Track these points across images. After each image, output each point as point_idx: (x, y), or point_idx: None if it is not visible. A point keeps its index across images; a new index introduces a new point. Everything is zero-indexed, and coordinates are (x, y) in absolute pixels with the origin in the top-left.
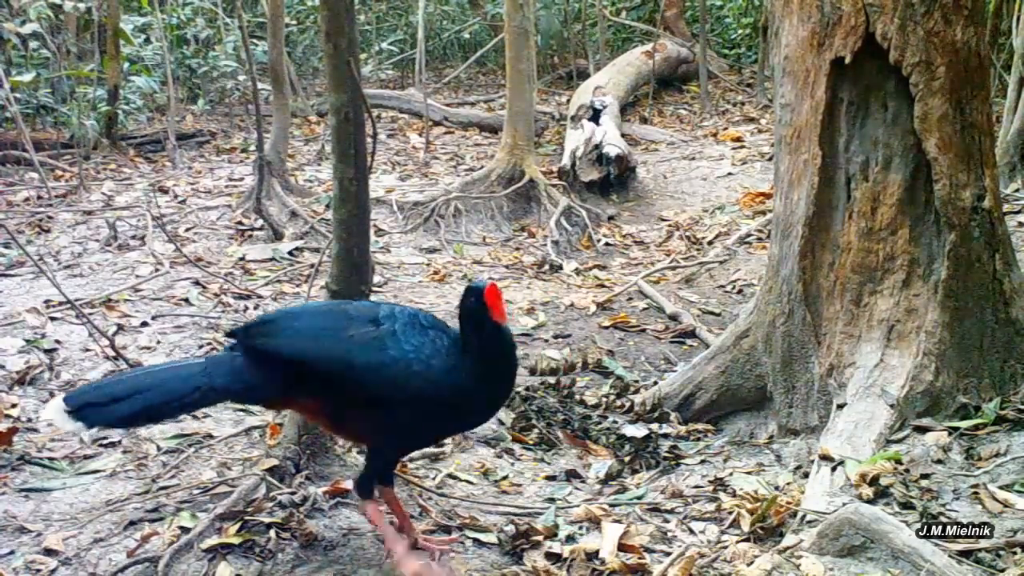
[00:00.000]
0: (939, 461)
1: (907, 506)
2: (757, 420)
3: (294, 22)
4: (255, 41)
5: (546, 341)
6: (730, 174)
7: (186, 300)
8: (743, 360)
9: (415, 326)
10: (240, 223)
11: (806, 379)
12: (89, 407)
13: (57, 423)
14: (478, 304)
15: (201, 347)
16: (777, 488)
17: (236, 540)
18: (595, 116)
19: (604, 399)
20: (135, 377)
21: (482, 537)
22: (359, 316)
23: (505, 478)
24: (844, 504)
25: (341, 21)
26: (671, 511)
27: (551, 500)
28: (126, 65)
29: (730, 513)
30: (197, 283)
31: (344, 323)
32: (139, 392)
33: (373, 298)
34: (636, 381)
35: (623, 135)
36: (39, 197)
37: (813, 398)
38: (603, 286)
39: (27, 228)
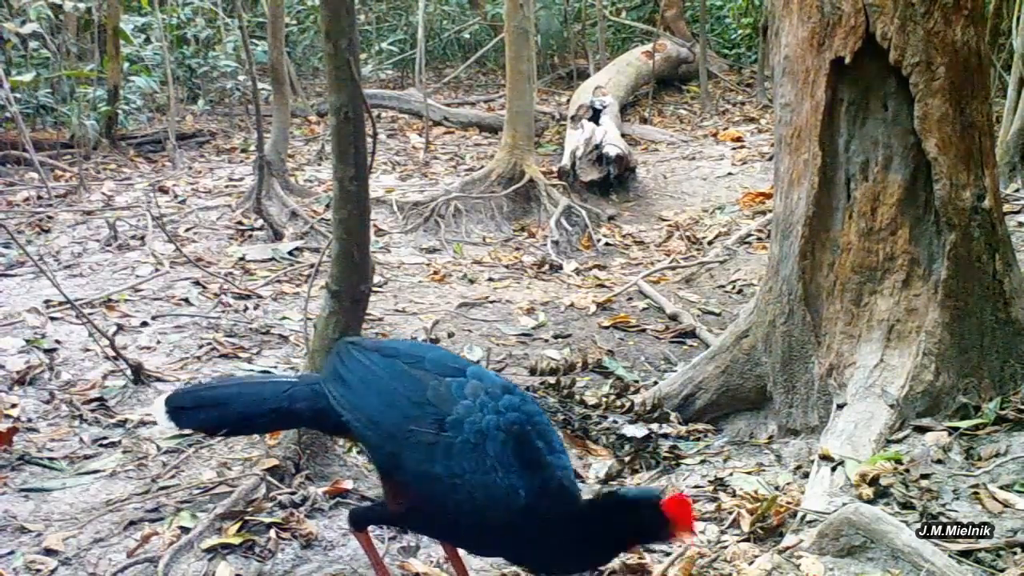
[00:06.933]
0: (939, 461)
1: (907, 506)
2: (757, 420)
3: (294, 22)
4: (255, 41)
5: (546, 341)
6: (730, 174)
7: (186, 300)
8: (743, 360)
9: (476, 448)
10: (240, 223)
11: (806, 379)
12: (181, 411)
13: (160, 422)
14: (660, 521)
15: (201, 347)
16: (777, 488)
17: (236, 540)
18: (595, 116)
19: (604, 399)
20: (227, 388)
21: None
22: (431, 407)
23: None
24: (844, 504)
25: (341, 21)
26: None
27: None
28: (126, 65)
29: (730, 513)
30: (197, 283)
31: (413, 411)
32: (223, 404)
33: (373, 298)
34: (636, 381)
35: (623, 135)
36: (39, 197)
37: (813, 398)
38: (603, 286)
39: (27, 228)
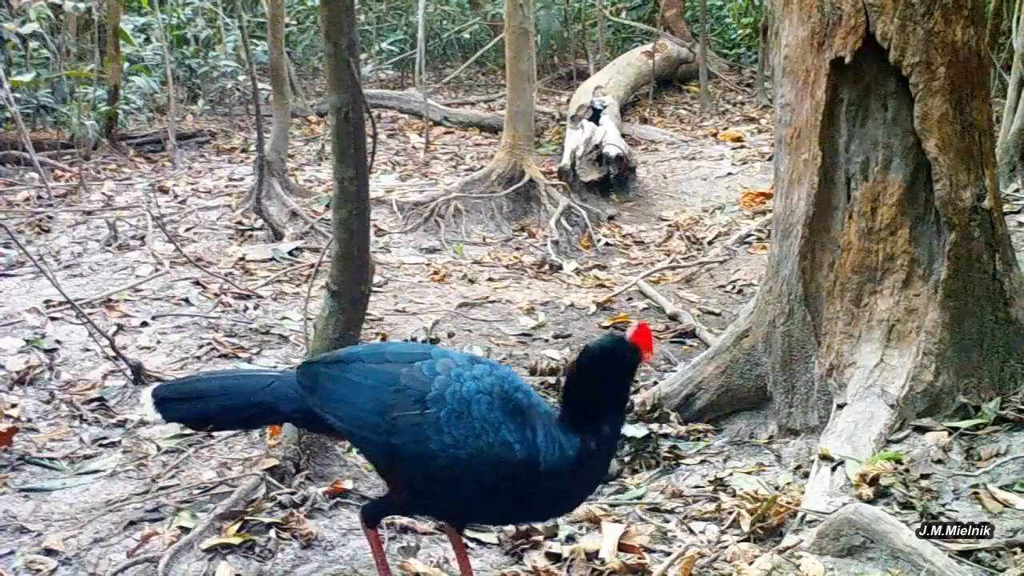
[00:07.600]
0: (939, 461)
1: (907, 506)
2: (757, 420)
3: (294, 22)
4: (255, 41)
5: (546, 341)
6: (730, 174)
7: (186, 300)
8: (743, 360)
9: (462, 416)
10: (240, 223)
11: (806, 379)
12: (167, 402)
13: (147, 412)
14: (632, 355)
15: (201, 347)
16: (777, 488)
17: (236, 540)
18: (595, 116)
19: None
20: (211, 380)
21: (482, 537)
22: (409, 390)
23: None
24: (844, 504)
25: (341, 21)
26: (671, 511)
27: None
28: (126, 65)
29: (730, 513)
30: (197, 283)
31: (392, 399)
32: (208, 397)
33: (373, 298)
34: (636, 381)
35: (623, 135)
36: (39, 197)
37: (813, 398)
38: (603, 286)
39: (27, 228)
